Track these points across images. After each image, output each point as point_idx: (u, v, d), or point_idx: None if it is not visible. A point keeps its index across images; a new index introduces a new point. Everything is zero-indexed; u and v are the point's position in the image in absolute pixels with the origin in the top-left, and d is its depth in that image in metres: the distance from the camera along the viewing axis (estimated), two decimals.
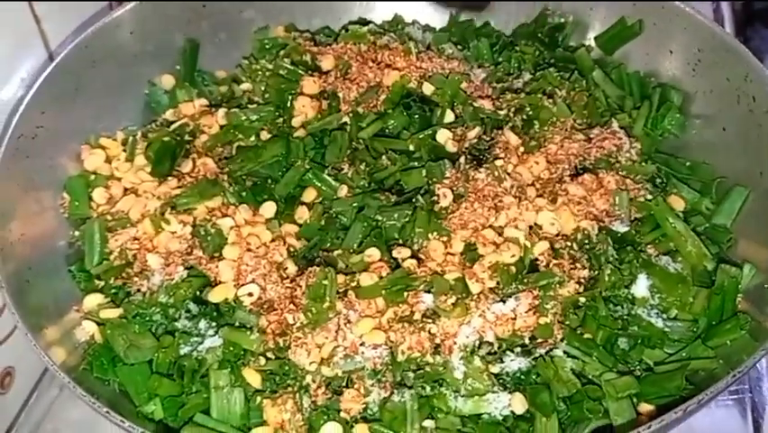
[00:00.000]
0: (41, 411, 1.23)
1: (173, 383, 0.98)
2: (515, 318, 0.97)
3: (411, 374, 0.96)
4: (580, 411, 0.95)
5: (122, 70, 1.23)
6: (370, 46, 1.28)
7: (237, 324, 1.01)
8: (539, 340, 0.98)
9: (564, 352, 0.98)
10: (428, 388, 0.95)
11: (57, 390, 1.23)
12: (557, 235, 1.05)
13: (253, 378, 0.97)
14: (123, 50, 1.23)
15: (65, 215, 1.13)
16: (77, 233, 1.12)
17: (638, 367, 0.99)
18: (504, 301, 0.98)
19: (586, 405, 0.95)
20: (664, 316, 1.02)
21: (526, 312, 0.97)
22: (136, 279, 1.05)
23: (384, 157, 1.14)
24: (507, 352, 0.97)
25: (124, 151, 1.18)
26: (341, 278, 1.01)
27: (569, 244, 1.04)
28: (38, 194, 1.11)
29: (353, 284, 1.00)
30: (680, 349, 1.00)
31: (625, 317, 1.01)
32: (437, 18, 1.38)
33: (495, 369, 0.96)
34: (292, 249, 1.08)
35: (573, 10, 1.31)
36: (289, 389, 0.96)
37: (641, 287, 1.03)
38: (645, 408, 0.95)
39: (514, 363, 0.97)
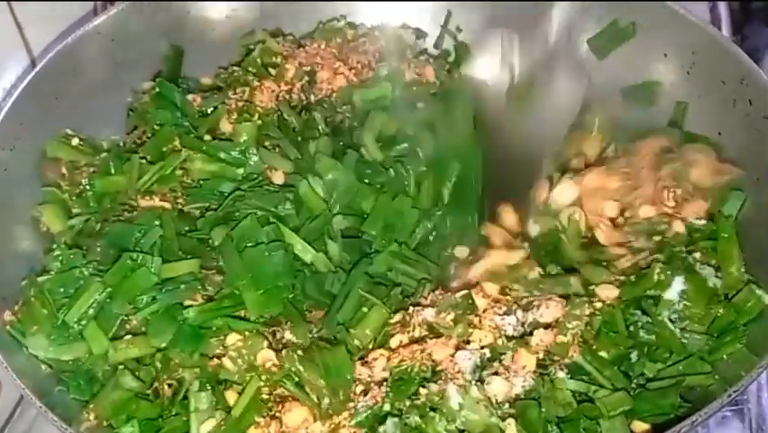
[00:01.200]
0: (25, 425, 1.20)
1: (151, 405, 0.95)
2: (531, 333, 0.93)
3: (407, 402, 0.90)
4: (576, 431, 0.90)
5: (104, 78, 1.21)
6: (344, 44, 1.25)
7: None
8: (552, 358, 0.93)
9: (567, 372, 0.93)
10: (417, 417, 0.89)
11: None
12: None
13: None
14: (105, 57, 1.20)
15: (43, 229, 1.10)
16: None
17: (636, 381, 0.94)
18: (512, 313, 0.94)
19: (582, 424, 0.90)
20: (682, 324, 0.95)
21: (548, 328, 0.93)
22: None
23: None
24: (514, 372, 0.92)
25: None
26: None
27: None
28: (14, 207, 1.09)
29: None
30: (675, 363, 0.95)
31: (644, 323, 0.95)
32: (427, 22, 1.35)
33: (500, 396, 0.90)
34: None
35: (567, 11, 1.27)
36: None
37: (673, 290, 0.95)
38: (640, 427, 0.91)
39: (516, 388, 0.90)
